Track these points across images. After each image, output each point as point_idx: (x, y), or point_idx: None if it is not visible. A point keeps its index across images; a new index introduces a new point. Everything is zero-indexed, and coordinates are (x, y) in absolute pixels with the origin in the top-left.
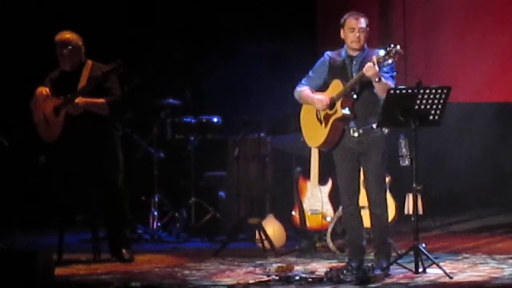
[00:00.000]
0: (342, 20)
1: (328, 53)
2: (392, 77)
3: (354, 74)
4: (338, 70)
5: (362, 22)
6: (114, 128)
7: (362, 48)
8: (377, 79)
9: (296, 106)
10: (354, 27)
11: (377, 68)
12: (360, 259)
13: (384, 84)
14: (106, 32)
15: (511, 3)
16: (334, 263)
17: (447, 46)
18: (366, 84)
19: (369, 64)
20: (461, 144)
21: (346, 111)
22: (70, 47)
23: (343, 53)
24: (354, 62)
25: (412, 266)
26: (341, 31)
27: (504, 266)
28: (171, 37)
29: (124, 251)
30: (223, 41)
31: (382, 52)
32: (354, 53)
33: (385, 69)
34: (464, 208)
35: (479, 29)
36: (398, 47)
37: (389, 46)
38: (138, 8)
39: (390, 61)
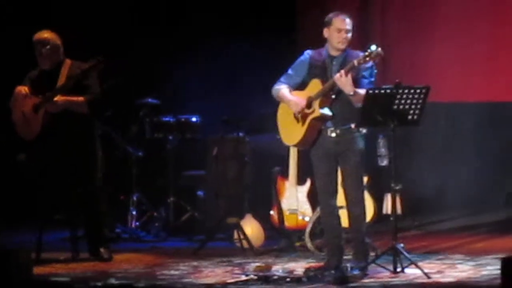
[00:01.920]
0: (327, 19)
1: (309, 52)
2: (370, 82)
3: (333, 74)
4: (318, 70)
5: (349, 23)
6: (93, 127)
7: (345, 49)
8: (351, 93)
9: (275, 105)
10: (341, 28)
11: (349, 79)
12: (338, 259)
13: (358, 96)
14: (86, 30)
15: (493, 2)
16: (313, 263)
17: (427, 46)
18: None
19: (339, 73)
20: (440, 143)
21: (325, 111)
22: (48, 46)
23: (324, 52)
24: (334, 63)
25: (390, 266)
26: (325, 30)
27: (483, 266)
28: (152, 35)
29: (102, 250)
30: (202, 40)
31: (362, 54)
32: (335, 53)
33: (364, 73)
34: (444, 208)
35: (458, 29)
36: (379, 49)
37: (370, 48)
38: (118, 7)
39: (370, 64)
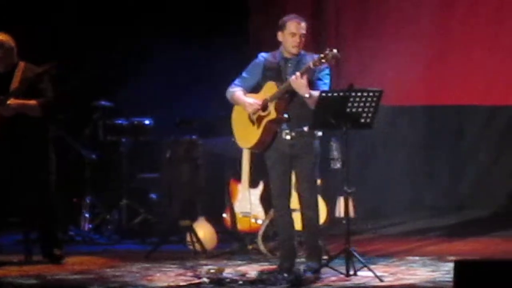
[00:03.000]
0: (281, 22)
1: (263, 55)
2: (325, 84)
3: (288, 76)
4: (272, 72)
5: (304, 27)
6: (46, 130)
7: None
8: (306, 94)
9: (229, 108)
10: (296, 32)
11: (305, 81)
12: (291, 262)
13: (314, 98)
14: (40, 33)
15: (442, 5)
16: (266, 266)
17: (380, 49)
18: None
19: (295, 76)
20: (394, 147)
21: (280, 113)
22: (3, 48)
23: (278, 55)
24: (289, 65)
25: (343, 269)
26: (279, 33)
27: (435, 269)
28: (105, 38)
29: (56, 252)
30: (156, 42)
31: (318, 56)
32: (290, 56)
33: (319, 75)
34: (397, 211)
35: (410, 31)
36: (335, 51)
37: (326, 50)
38: (71, 9)
39: (325, 66)
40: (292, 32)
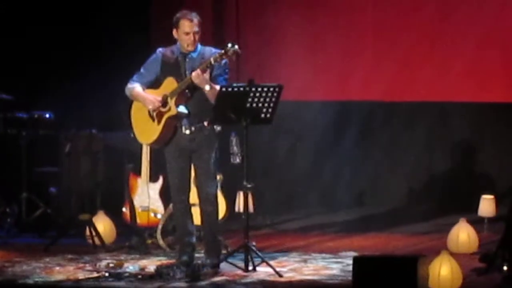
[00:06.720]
0: (175, 19)
1: (161, 50)
2: (225, 79)
3: (187, 71)
4: (171, 67)
5: (196, 24)
6: None
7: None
8: (207, 88)
9: (128, 102)
10: (189, 31)
11: (207, 76)
12: (190, 256)
13: (214, 91)
14: None
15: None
16: (164, 260)
17: (280, 44)
18: None
19: (196, 72)
20: (293, 142)
21: (181, 109)
22: None
23: (176, 50)
24: (188, 60)
25: (242, 264)
26: (174, 30)
27: (334, 264)
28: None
29: None
30: (55, 36)
31: (219, 52)
32: (187, 51)
33: (219, 70)
34: (295, 206)
35: (311, 27)
36: (236, 46)
37: (227, 46)
38: None
39: (224, 61)
40: (186, 31)
